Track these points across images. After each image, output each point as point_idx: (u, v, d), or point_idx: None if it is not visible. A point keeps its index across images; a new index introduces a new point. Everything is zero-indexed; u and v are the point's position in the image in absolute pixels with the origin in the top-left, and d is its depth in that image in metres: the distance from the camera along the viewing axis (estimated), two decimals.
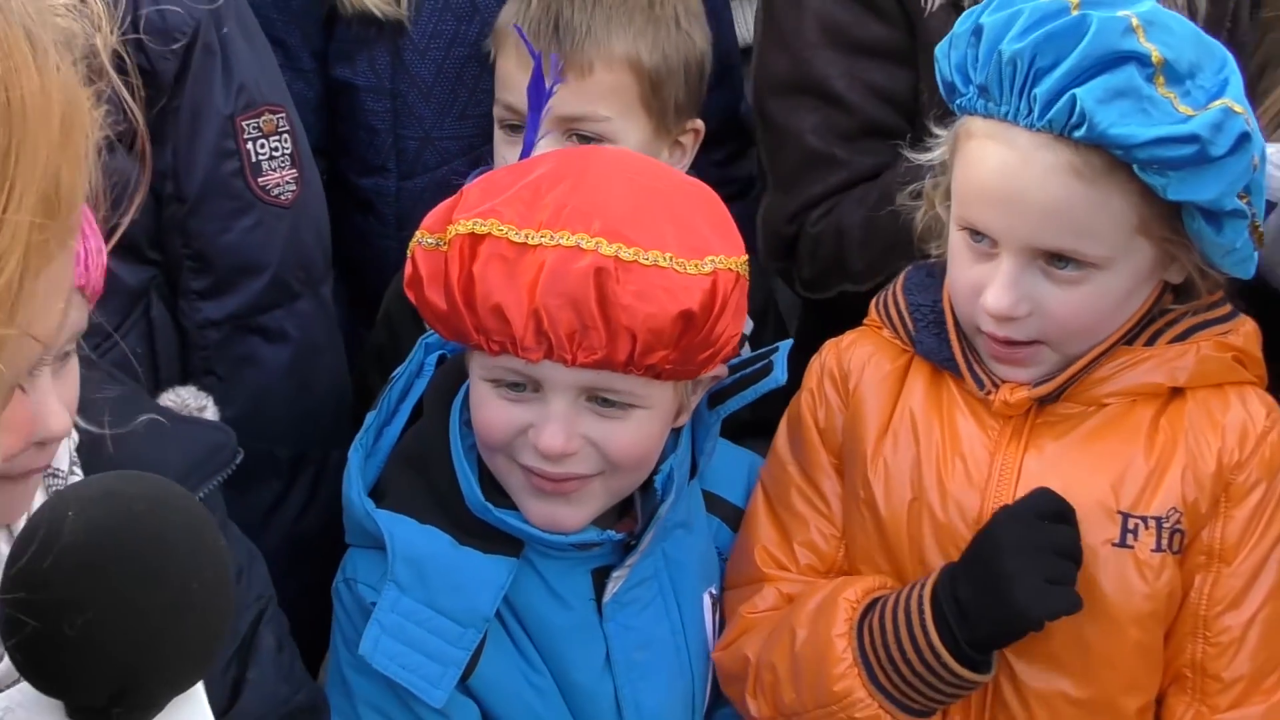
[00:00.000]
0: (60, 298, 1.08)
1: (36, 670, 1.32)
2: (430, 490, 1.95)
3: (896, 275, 2.13)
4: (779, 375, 2.00)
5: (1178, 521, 1.94)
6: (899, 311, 2.08)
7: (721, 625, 2.10)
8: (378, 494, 1.96)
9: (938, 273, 2.05)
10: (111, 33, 1.46)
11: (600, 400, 1.85)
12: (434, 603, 1.89)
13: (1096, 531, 1.93)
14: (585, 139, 2.30)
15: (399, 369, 2.05)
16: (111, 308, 2.10)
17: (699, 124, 2.47)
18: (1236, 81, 1.84)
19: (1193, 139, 1.77)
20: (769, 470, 2.15)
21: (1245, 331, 2.02)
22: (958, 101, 1.92)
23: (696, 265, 1.79)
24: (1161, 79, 1.79)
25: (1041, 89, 1.80)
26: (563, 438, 1.84)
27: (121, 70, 2.01)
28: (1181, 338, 1.98)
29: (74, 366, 1.67)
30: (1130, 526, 1.94)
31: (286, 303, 2.24)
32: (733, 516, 2.14)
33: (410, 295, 1.88)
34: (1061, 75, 1.79)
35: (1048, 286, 1.89)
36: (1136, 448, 1.96)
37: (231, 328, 2.23)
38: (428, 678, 1.87)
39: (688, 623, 2.05)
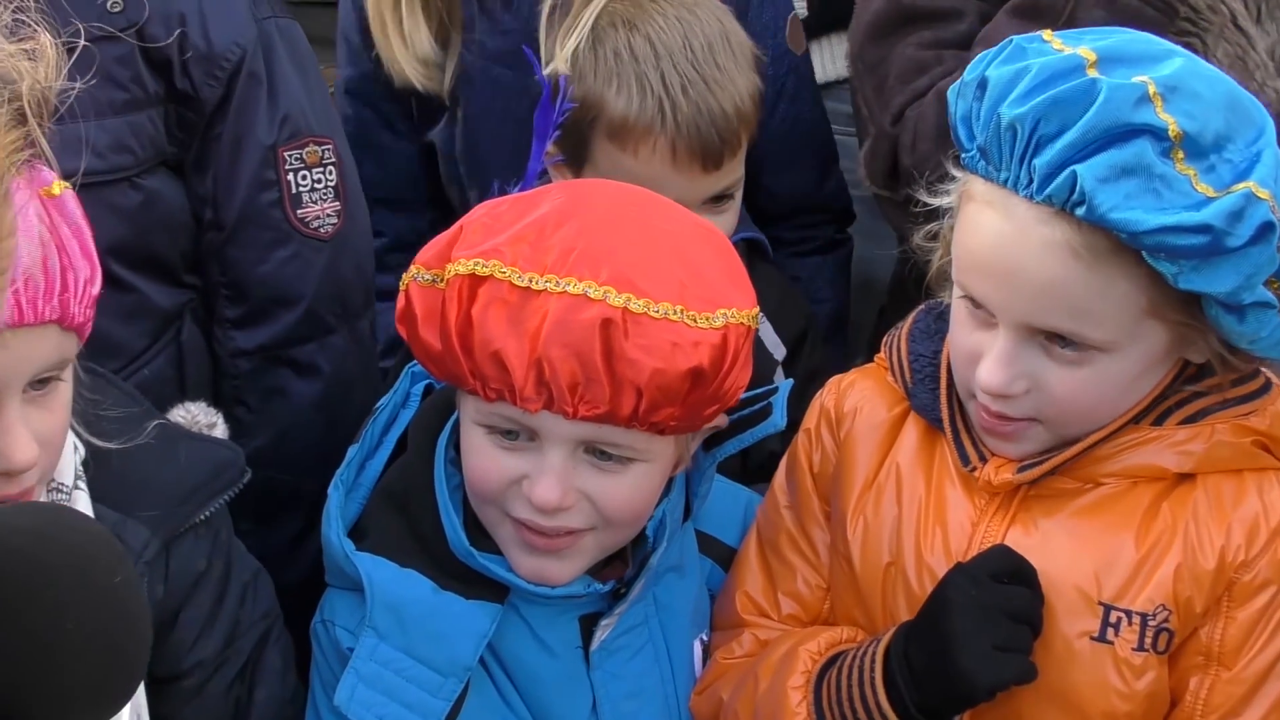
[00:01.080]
0: None
1: None
2: (412, 531, 1.87)
3: None
4: (778, 420, 1.90)
5: (1166, 620, 1.79)
6: (899, 357, 1.94)
7: None
8: (359, 533, 1.90)
9: (947, 319, 1.90)
10: (49, 82, 1.45)
11: (598, 453, 1.77)
12: (413, 651, 1.82)
13: (1073, 621, 1.79)
14: (717, 200, 2.28)
15: (383, 399, 1.96)
16: (141, 329, 2.12)
17: None
18: (1271, 154, 1.65)
19: (1205, 229, 1.59)
20: (764, 511, 2.04)
21: (1274, 412, 1.83)
22: (963, 157, 1.76)
23: (708, 319, 1.71)
24: (1180, 154, 1.61)
25: (1042, 160, 1.63)
26: (559, 491, 1.75)
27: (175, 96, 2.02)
28: (1195, 418, 1.81)
29: (60, 397, 1.67)
30: (1112, 620, 1.79)
31: (320, 336, 2.21)
32: (726, 558, 2.05)
33: (402, 331, 1.79)
34: (1064, 147, 1.61)
35: (1048, 364, 1.74)
36: (1129, 534, 1.80)
37: (262, 358, 2.21)
38: None
39: (677, 671, 1.97)
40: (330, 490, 1.90)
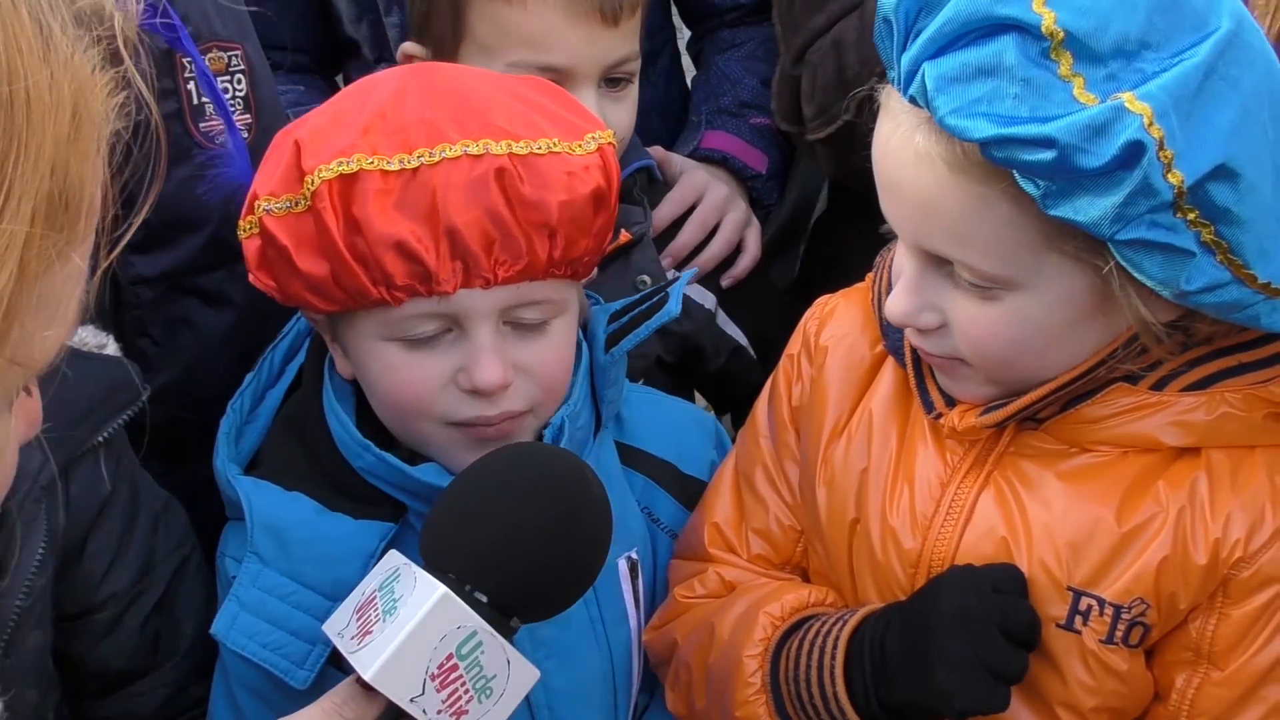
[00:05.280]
0: (61, 317, 0.96)
1: None
2: (307, 454, 1.77)
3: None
4: (672, 307, 1.75)
5: (1142, 614, 1.53)
6: (881, 287, 1.70)
7: (651, 594, 1.85)
8: (256, 462, 1.81)
9: None
10: (137, 12, 1.23)
11: (517, 323, 1.67)
12: (298, 575, 1.71)
13: (1040, 606, 1.55)
14: (613, 82, 2.08)
15: (286, 326, 1.86)
16: None
17: None
18: (1196, 65, 1.30)
19: (1047, 143, 1.29)
20: (742, 438, 1.86)
21: None
22: None
23: (581, 145, 1.65)
24: (1067, 56, 1.31)
25: (908, 56, 1.38)
26: (500, 367, 1.64)
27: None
28: (1202, 385, 1.51)
29: None
30: (1081, 607, 1.54)
31: (229, 263, 1.96)
32: (661, 471, 1.89)
33: (264, 280, 1.66)
34: (924, 42, 1.35)
35: (954, 297, 1.49)
36: (1110, 509, 1.53)
37: (166, 287, 1.99)
38: (291, 657, 1.69)
39: (601, 592, 1.79)
40: (223, 419, 1.82)
